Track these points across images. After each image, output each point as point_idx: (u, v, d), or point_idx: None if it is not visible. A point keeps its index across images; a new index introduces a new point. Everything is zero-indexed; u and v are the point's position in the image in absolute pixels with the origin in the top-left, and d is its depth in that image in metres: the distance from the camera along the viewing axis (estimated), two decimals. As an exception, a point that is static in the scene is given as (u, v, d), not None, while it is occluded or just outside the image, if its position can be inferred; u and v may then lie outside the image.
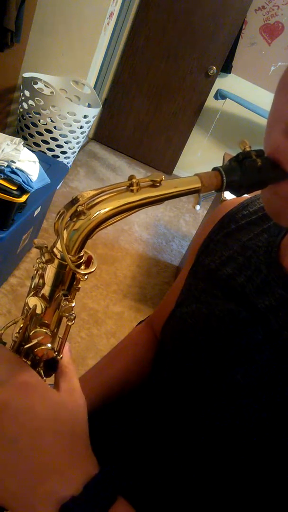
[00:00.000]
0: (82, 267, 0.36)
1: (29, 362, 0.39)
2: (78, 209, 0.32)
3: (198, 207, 3.72)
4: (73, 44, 2.55)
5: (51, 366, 0.41)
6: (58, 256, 0.35)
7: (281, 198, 0.39)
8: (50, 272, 0.36)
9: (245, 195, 0.61)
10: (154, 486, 0.50)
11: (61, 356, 0.41)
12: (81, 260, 0.35)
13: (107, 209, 0.32)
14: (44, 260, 0.35)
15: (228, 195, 1.93)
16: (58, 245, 0.34)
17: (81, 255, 0.35)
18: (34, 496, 0.32)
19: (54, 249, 0.35)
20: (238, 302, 0.49)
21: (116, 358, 0.68)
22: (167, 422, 0.51)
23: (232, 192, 0.37)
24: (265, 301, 0.46)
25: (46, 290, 0.37)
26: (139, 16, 3.52)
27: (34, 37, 2.52)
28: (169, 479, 0.50)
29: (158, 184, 0.34)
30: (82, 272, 0.35)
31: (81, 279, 0.36)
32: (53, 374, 0.42)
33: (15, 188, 1.48)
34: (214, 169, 0.36)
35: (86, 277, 0.35)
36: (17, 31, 2.06)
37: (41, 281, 0.36)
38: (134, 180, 0.33)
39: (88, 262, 0.36)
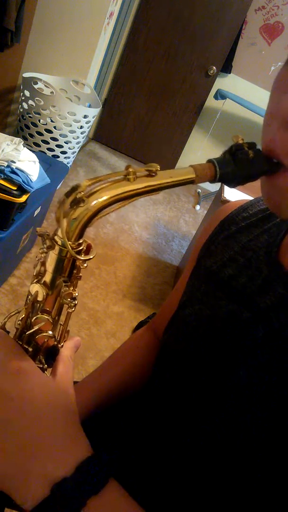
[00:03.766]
0: (82, 255, 0.37)
1: (30, 349, 0.40)
2: (77, 197, 0.33)
3: (198, 207, 3.72)
4: (73, 44, 2.55)
5: (52, 355, 0.42)
6: (59, 243, 0.36)
7: (279, 190, 0.39)
8: (51, 259, 0.37)
9: (245, 198, 0.62)
10: (154, 480, 0.51)
11: (62, 344, 0.42)
12: (81, 248, 0.36)
13: (105, 198, 0.34)
14: (45, 246, 0.36)
15: (228, 196, 1.94)
16: (59, 232, 0.35)
17: (80, 242, 0.36)
18: (28, 476, 0.33)
19: (55, 236, 0.36)
20: (240, 302, 0.49)
21: (117, 362, 0.68)
22: (169, 422, 0.51)
23: (225, 183, 0.38)
24: (267, 300, 0.47)
25: (47, 277, 0.38)
26: (139, 16, 3.52)
27: (34, 37, 2.52)
28: (169, 475, 0.50)
29: (153, 174, 0.35)
30: (82, 258, 0.36)
31: (81, 266, 0.37)
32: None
33: (15, 188, 1.48)
34: (209, 161, 0.37)
35: (85, 264, 0.37)
36: (17, 31, 2.06)
37: (43, 268, 0.37)
38: (130, 170, 0.34)
39: (87, 250, 0.37)
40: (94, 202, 0.33)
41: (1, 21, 1.90)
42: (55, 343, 0.42)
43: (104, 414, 0.62)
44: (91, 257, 0.37)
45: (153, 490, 0.51)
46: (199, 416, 0.48)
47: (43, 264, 0.37)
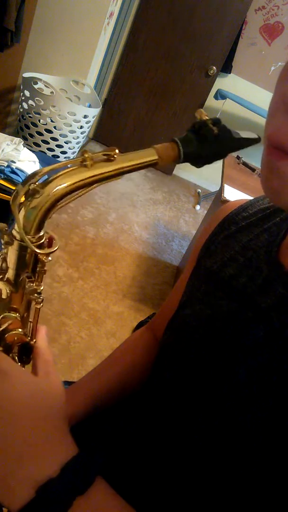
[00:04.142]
0: (45, 248, 0.35)
1: (1, 349, 0.39)
2: (30, 188, 0.32)
3: (198, 207, 3.72)
4: (73, 44, 2.55)
5: (25, 352, 0.41)
6: (17, 237, 0.34)
7: (280, 178, 0.38)
8: (11, 255, 0.35)
9: (244, 198, 0.62)
10: (153, 479, 0.50)
11: (35, 340, 0.41)
12: (42, 241, 0.35)
13: (62, 186, 0.32)
14: (3, 242, 0.34)
15: (228, 195, 1.93)
16: (16, 226, 0.34)
17: (41, 235, 0.34)
18: (12, 479, 0.33)
19: (13, 231, 0.34)
20: (241, 302, 0.49)
21: (116, 361, 0.68)
22: (168, 422, 0.51)
23: (191, 163, 0.36)
24: (267, 300, 0.46)
25: (10, 274, 0.36)
26: (139, 16, 3.52)
27: (34, 37, 2.52)
28: (168, 475, 0.50)
29: (112, 158, 0.33)
30: (42, 252, 0.34)
31: (44, 260, 0.36)
32: (30, 360, 0.42)
33: (15, 188, 1.49)
34: (172, 140, 0.35)
35: (49, 258, 0.35)
36: (17, 31, 2.06)
37: (4, 265, 0.36)
38: (86, 155, 0.32)
39: (50, 243, 0.36)
40: (51, 191, 0.32)
41: (1, 21, 1.90)
42: (27, 339, 0.41)
43: (102, 414, 0.62)
44: (53, 250, 0.35)
45: (152, 490, 0.50)
46: (198, 416, 0.47)
47: (5, 261, 0.36)
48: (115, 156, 0.33)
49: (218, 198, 2.20)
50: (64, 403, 0.39)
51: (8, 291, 0.36)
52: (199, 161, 0.35)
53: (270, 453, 0.41)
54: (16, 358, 0.41)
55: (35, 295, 0.36)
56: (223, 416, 0.45)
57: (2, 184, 1.46)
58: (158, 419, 0.53)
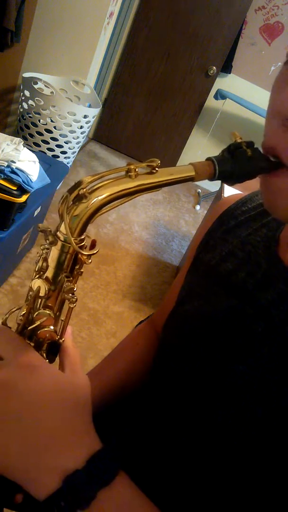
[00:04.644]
0: (85, 250, 0.37)
1: (32, 344, 0.40)
2: (80, 193, 0.34)
3: (198, 207, 3.72)
4: (73, 44, 2.55)
5: (53, 350, 0.43)
6: (62, 238, 0.36)
7: (275, 190, 0.40)
8: (53, 254, 0.37)
9: (243, 192, 0.62)
10: (154, 476, 0.51)
11: (63, 339, 0.43)
12: (83, 243, 0.37)
13: (106, 194, 0.34)
14: (48, 242, 0.36)
15: (227, 195, 1.93)
16: (62, 228, 0.36)
17: (82, 238, 0.37)
18: (39, 470, 0.34)
19: (58, 232, 0.36)
20: (240, 298, 0.49)
21: (117, 359, 0.68)
22: (169, 418, 0.51)
23: (224, 181, 0.38)
24: (267, 296, 0.46)
25: (49, 273, 0.38)
26: (139, 16, 3.52)
27: (34, 37, 2.52)
28: (170, 472, 0.50)
29: (154, 171, 0.36)
30: (85, 253, 0.37)
31: (86, 262, 0.38)
32: (56, 358, 0.43)
33: (15, 188, 1.48)
34: (208, 159, 0.38)
35: (90, 260, 0.37)
36: (17, 31, 2.06)
37: (44, 264, 0.38)
38: (132, 167, 0.35)
39: (91, 246, 0.38)
40: (96, 198, 0.34)
41: (1, 21, 1.90)
42: (57, 338, 0.42)
43: (103, 412, 0.62)
44: (95, 251, 0.37)
45: (153, 486, 0.51)
46: (199, 413, 0.47)
47: (45, 260, 0.38)
48: (157, 168, 0.35)
49: (218, 198, 2.20)
50: (90, 399, 0.40)
51: (46, 289, 0.38)
52: (231, 180, 0.38)
53: (270, 449, 0.41)
54: (44, 355, 0.42)
55: (70, 295, 0.38)
56: (223, 412, 0.45)
57: (2, 184, 1.45)
58: (159, 416, 0.53)
